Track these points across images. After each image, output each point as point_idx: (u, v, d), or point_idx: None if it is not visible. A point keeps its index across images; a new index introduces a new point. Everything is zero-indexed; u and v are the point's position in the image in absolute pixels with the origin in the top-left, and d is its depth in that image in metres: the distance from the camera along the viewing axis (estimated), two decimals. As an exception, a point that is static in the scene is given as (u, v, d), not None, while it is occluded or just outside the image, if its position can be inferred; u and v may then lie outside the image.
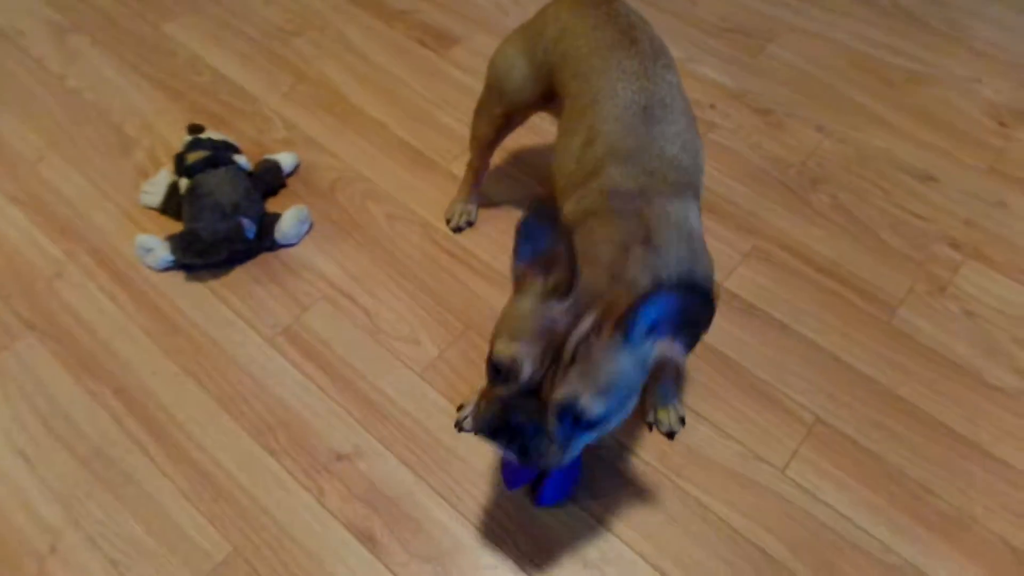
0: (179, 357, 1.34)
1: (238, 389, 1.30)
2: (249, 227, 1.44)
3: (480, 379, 1.31)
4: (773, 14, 2.12)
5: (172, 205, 1.51)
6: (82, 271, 1.45)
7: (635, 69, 1.07)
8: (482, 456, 1.22)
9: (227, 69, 1.87)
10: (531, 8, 2.06)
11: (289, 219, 1.48)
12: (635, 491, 1.19)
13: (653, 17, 2.04)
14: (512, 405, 0.82)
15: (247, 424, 1.25)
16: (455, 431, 1.25)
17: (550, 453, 0.84)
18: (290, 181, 1.63)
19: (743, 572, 1.12)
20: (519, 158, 1.69)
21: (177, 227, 1.47)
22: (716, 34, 2.04)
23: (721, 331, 1.39)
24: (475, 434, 0.87)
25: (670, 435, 1.24)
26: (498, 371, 0.83)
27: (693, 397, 1.30)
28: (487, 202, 1.59)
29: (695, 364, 1.34)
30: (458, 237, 1.54)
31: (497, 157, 1.62)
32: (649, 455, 1.23)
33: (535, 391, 0.81)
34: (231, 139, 1.58)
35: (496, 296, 1.43)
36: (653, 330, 0.81)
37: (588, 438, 0.86)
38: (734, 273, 1.48)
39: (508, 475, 1.13)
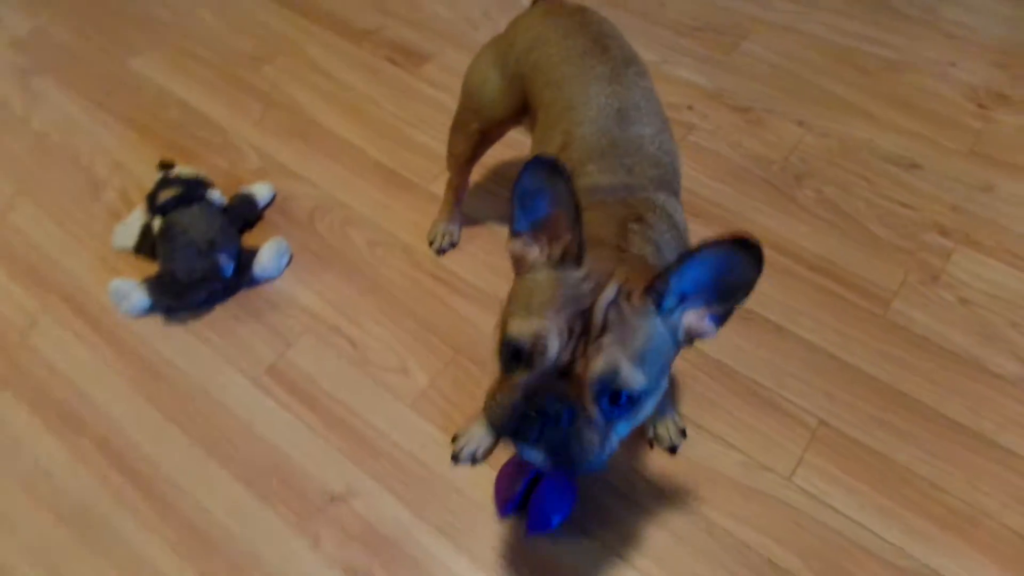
0: (162, 404, 1.30)
1: (224, 434, 1.26)
2: (226, 264, 1.40)
3: (474, 405, 1.28)
4: (743, 10, 2.10)
5: (147, 246, 1.47)
6: (57, 321, 1.41)
7: (607, 74, 1.05)
8: (480, 487, 1.19)
9: (196, 101, 1.84)
10: (501, 21, 2.04)
11: (267, 253, 1.44)
12: (639, 511, 1.16)
13: (623, 20, 2.02)
14: (539, 390, 0.70)
15: (236, 470, 1.21)
16: (451, 463, 1.22)
17: (591, 444, 0.72)
18: (267, 213, 1.59)
19: (756, 587, 1.09)
20: (499, 174, 1.66)
21: (153, 268, 1.43)
22: (688, 34, 2.02)
23: (717, 339, 1.36)
24: (496, 432, 0.75)
25: (672, 450, 1.21)
26: (517, 356, 0.72)
27: (691, 408, 1.27)
28: (469, 221, 1.56)
29: (691, 374, 1.31)
30: (442, 259, 1.51)
31: (477, 174, 1.60)
32: (651, 472, 1.20)
33: (564, 373, 0.70)
34: (202, 174, 1.54)
35: (485, 318, 1.40)
36: (684, 300, 0.74)
37: (625, 427, 0.76)
38: (724, 277, 1.46)
39: (501, 498, 1.10)
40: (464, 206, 1.53)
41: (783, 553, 1.12)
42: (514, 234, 0.80)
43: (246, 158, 1.71)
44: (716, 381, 1.30)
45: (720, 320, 0.76)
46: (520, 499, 1.11)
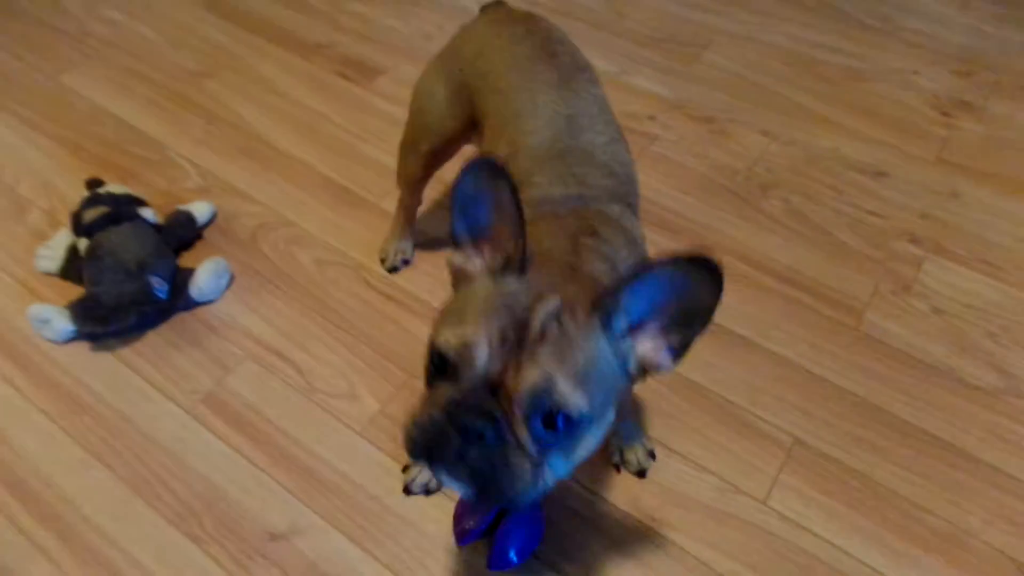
0: (84, 440, 1.18)
1: (154, 470, 1.15)
2: (159, 286, 1.30)
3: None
4: (703, 21, 2.07)
5: (73, 269, 1.36)
6: (-28, 352, 1.29)
7: (556, 81, 0.99)
8: (436, 520, 1.09)
9: (132, 118, 1.74)
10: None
11: (204, 273, 1.35)
12: (608, 542, 1.07)
13: (581, 32, 1.98)
14: (462, 404, 0.62)
15: (166, 510, 1.10)
16: (403, 495, 1.12)
17: (520, 471, 0.63)
18: (206, 232, 1.49)
19: (734, 621, 1.01)
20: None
21: (81, 293, 1.32)
22: (648, 45, 1.98)
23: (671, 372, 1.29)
24: (411, 457, 0.67)
25: (641, 474, 1.13)
26: (442, 366, 0.65)
27: (660, 429, 1.20)
28: (424, 237, 1.47)
29: (659, 392, 1.24)
30: (395, 278, 1.42)
31: (433, 189, 1.52)
32: (619, 500, 1.12)
33: (493, 389, 0.62)
34: (134, 192, 1.44)
35: (439, 338, 1.32)
36: (636, 324, 0.66)
37: (561, 462, 0.66)
38: (691, 290, 1.39)
39: (460, 526, 1.01)
40: (419, 223, 1.45)
41: (761, 583, 1.04)
42: (455, 244, 0.72)
43: (186, 176, 1.61)
44: (685, 400, 1.23)
45: (677, 353, 0.68)
46: (483, 531, 1.01)
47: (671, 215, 1.53)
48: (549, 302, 0.64)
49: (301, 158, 1.65)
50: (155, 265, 1.31)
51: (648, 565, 1.05)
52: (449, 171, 1.51)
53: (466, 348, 0.63)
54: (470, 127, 1.14)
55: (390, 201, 1.54)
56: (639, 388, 1.22)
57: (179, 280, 1.34)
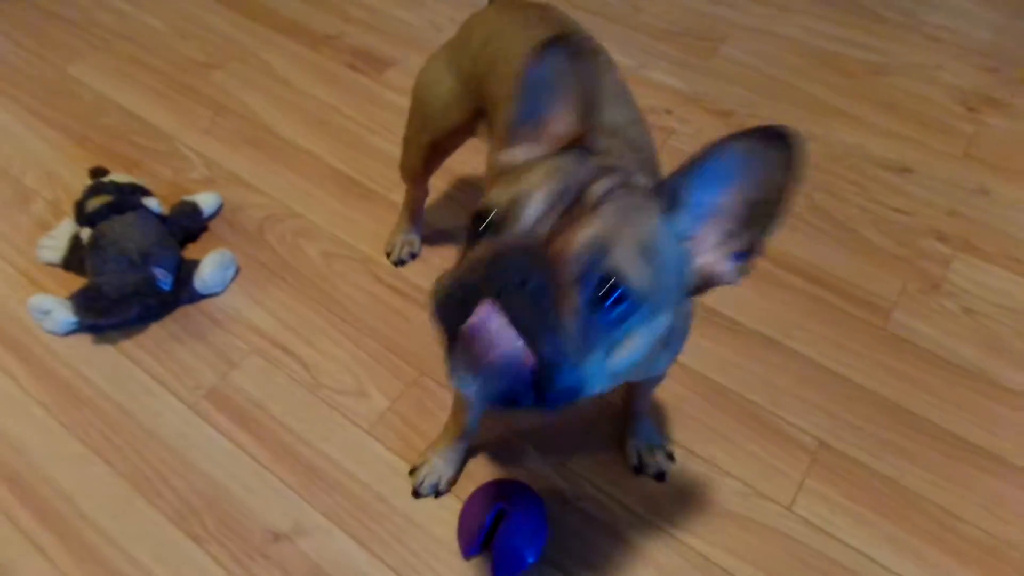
0: (84, 434, 1.15)
1: (155, 467, 1.11)
2: (163, 277, 1.26)
3: (438, 429, 1.15)
4: (720, 14, 2.02)
5: (75, 259, 1.33)
6: (-30, 343, 1.26)
7: None
8: (444, 522, 1.05)
9: (138, 108, 1.70)
10: (468, 22, 1.95)
11: (209, 265, 1.31)
12: (625, 548, 1.03)
13: (598, 26, 1.93)
14: (505, 253, 0.53)
15: (166, 508, 1.06)
16: (411, 497, 1.08)
17: (568, 339, 0.52)
18: (212, 224, 1.45)
19: (758, 632, 0.96)
20: (464, 179, 1.55)
21: (83, 284, 1.28)
22: (665, 38, 1.93)
23: (704, 353, 1.24)
24: (438, 315, 0.56)
25: (660, 477, 1.09)
26: (481, 224, 0.57)
27: (680, 431, 1.15)
28: (432, 230, 1.43)
29: (680, 394, 1.19)
30: (404, 271, 1.38)
31: (441, 181, 1.48)
32: (637, 504, 1.07)
33: (540, 251, 0.53)
34: (139, 181, 1.41)
35: (450, 334, 1.27)
36: (697, 230, 0.58)
37: (606, 355, 0.55)
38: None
39: (465, 537, 0.97)
40: (427, 215, 1.41)
41: (786, 592, 0.99)
42: (510, 137, 0.65)
43: (192, 167, 1.57)
44: (707, 401, 1.18)
45: (744, 257, 0.60)
46: (484, 536, 0.97)
47: (689, 210, 1.48)
48: (611, 178, 0.57)
49: (309, 149, 1.61)
50: (159, 256, 1.27)
51: (666, 570, 1.01)
52: (457, 160, 1.48)
53: (515, 203, 0.55)
54: (476, 118, 1.09)
55: (399, 193, 1.49)
56: (659, 390, 1.17)
57: (183, 272, 1.30)
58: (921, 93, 1.78)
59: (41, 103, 1.72)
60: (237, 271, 1.36)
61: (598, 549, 1.02)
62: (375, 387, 1.21)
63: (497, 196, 0.57)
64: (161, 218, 1.36)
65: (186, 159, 1.59)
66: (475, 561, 1.01)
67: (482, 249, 0.55)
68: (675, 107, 1.74)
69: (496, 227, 0.56)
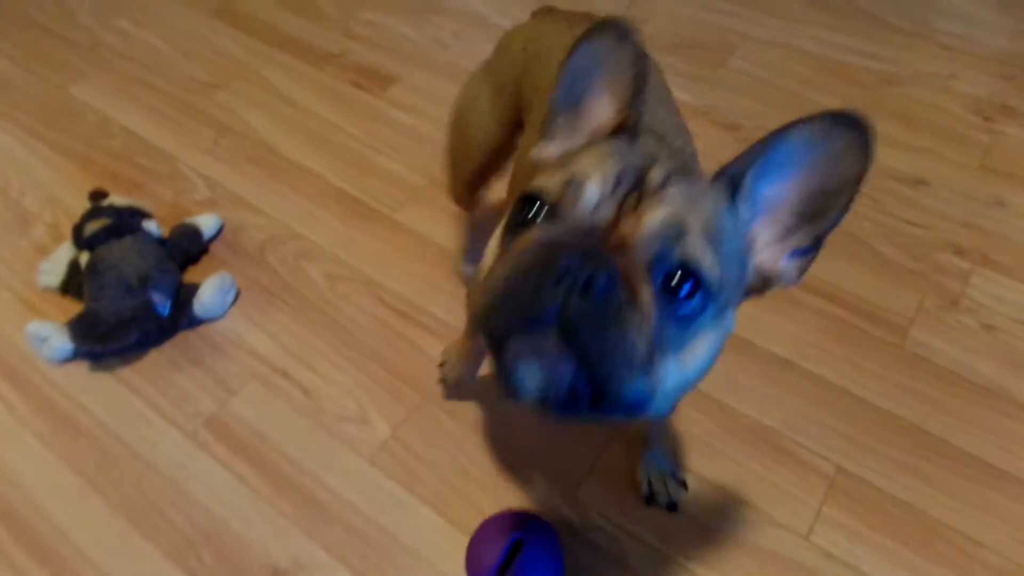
0: (81, 466, 1.12)
1: (152, 500, 1.08)
2: (162, 302, 1.24)
3: (444, 457, 1.12)
4: (728, 26, 1.99)
5: (74, 285, 1.31)
6: (-32, 372, 1.24)
7: None
8: (451, 556, 1.02)
9: (141, 129, 1.69)
10: (473, 43, 1.93)
11: (209, 289, 1.28)
12: (636, 580, 0.99)
13: (603, 38, 1.91)
14: (564, 247, 0.46)
15: (163, 542, 1.04)
16: (415, 527, 1.05)
17: (635, 342, 0.46)
18: (213, 245, 1.43)
19: (776, 670, 0.92)
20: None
21: (81, 310, 1.26)
22: (672, 51, 1.91)
23: (714, 373, 1.20)
24: (482, 327, 0.49)
25: (672, 507, 1.05)
26: (530, 208, 0.51)
27: (692, 457, 1.11)
28: (440, 249, 1.41)
29: (691, 417, 1.15)
30: (409, 294, 1.35)
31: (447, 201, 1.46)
32: (648, 535, 1.03)
33: (604, 239, 0.48)
34: (139, 204, 1.39)
35: (454, 357, 1.24)
36: (759, 212, 0.54)
37: (678, 361, 0.50)
38: (722, 306, 1.30)
39: (476, 569, 0.93)
40: (435, 235, 1.38)
41: (805, 627, 0.95)
42: (550, 127, 0.60)
43: (194, 187, 1.56)
44: (719, 425, 1.15)
45: (805, 254, 0.55)
46: (499, 568, 0.94)
47: (698, 226, 1.45)
48: (667, 164, 0.53)
49: (312, 169, 1.59)
50: (157, 280, 1.25)
51: (680, 606, 0.97)
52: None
53: (572, 186, 0.49)
54: (516, 133, 1.03)
55: (404, 214, 1.47)
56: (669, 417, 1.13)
57: (182, 296, 1.28)
58: (934, 103, 1.74)
59: (43, 124, 1.71)
60: (238, 294, 1.34)
61: (608, 582, 0.99)
62: (378, 413, 1.18)
63: (546, 181, 0.51)
64: (161, 241, 1.34)
65: (188, 180, 1.57)
66: (481, 596, 0.98)
67: (535, 239, 0.48)
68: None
69: (549, 214, 0.50)
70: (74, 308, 1.29)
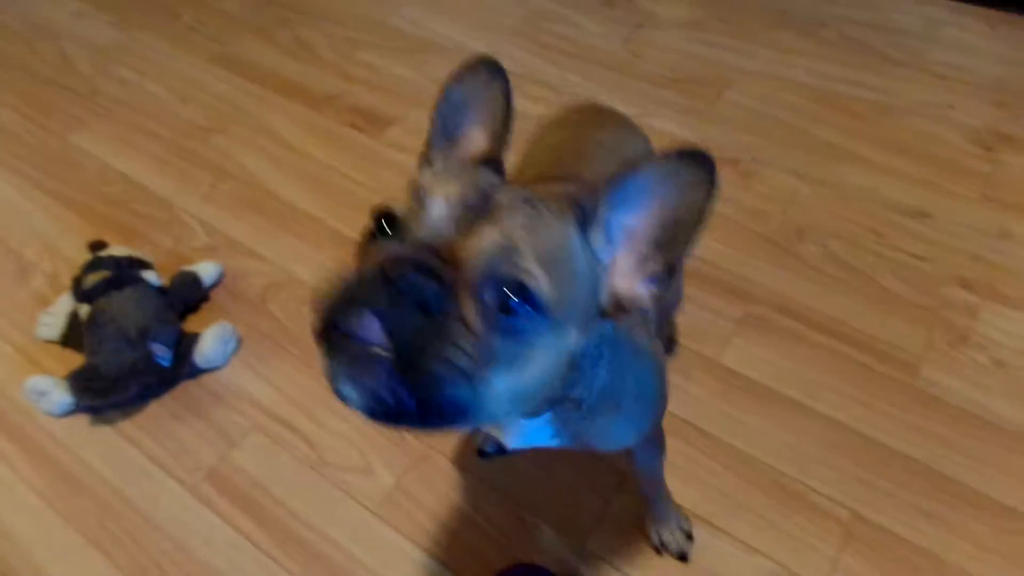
0: (82, 523, 1.10)
1: (153, 557, 1.06)
2: (162, 354, 1.23)
3: (449, 508, 1.09)
4: (721, 59, 2.00)
5: (74, 336, 1.30)
6: (-35, 428, 1.22)
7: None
8: (458, 611, 0.99)
9: (140, 176, 1.69)
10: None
11: (209, 339, 1.27)
12: (650, 634, 0.97)
13: (597, 74, 1.91)
14: (401, 260, 0.48)
15: (164, 604, 1.01)
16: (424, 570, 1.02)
17: (458, 357, 0.48)
18: (213, 293, 1.42)
19: None
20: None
21: (81, 364, 1.25)
22: (667, 85, 1.91)
23: (724, 417, 1.19)
24: (316, 314, 0.50)
25: (682, 557, 1.02)
26: (382, 229, 0.54)
27: (702, 504, 1.09)
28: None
29: (701, 463, 1.13)
30: (409, 337, 1.33)
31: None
32: (661, 586, 1.01)
33: (442, 257, 0.50)
34: (139, 253, 1.38)
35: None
36: (613, 241, 0.57)
37: (506, 372, 0.51)
38: (729, 346, 1.29)
39: None
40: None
41: None
42: (427, 160, 0.63)
43: (193, 234, 1.55)
44: (729, 470, 1.12)
45: (658, 280, 0.58)
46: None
47: (703, 264, 1.44)
48: (517, 192, 0.55)
49: (311, 212, 1.59)
50: (157, 331, 1.23)
51: (697, 662, 0.94)
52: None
53: (418, 203, 0.53)
54: None
55: (404, 256, 1.46)
56: (670, 452, 1.11)
57: (183, 346, 1.27)
58: (932, 133, 1.74)
59: (43, 173, 1.71)
60: (239, 343, 1.33)
61: (621, 637, 0.96)
62: (382, 463, 1.16)
63: (397, 202, 0.55)
64: (161, 291, 1.33)
65: (187, 226, 1.57)
66: (491, 655, 0.95)
67: (380, 250, 0.51)
68: (682, 156, 1.70)
69: (397, 230, 0.53)
70: (74, 360, 1.27)
